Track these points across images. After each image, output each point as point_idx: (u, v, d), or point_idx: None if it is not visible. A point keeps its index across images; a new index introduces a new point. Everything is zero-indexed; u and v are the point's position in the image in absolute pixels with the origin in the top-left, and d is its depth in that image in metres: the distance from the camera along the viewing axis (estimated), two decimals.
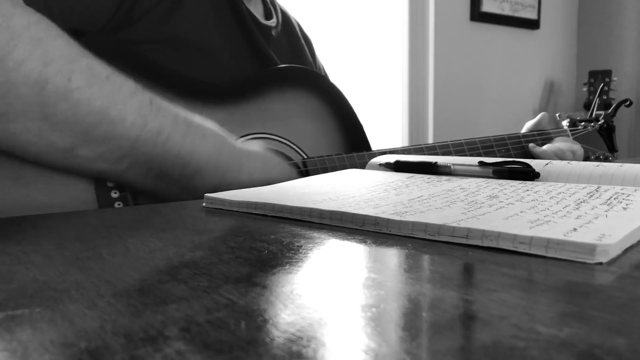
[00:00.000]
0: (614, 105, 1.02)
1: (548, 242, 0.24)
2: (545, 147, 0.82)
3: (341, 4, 1.97)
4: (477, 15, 2.22)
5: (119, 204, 0.50)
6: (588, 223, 0.27)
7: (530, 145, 0.81)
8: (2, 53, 0.40)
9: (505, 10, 2.30)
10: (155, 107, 0.47)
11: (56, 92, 0.42)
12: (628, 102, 1.02)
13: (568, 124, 0.96)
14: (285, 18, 0.84)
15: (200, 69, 0.63)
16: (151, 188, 0.50)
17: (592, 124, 0.97)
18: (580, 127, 0.96)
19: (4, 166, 0.46)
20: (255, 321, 0.17)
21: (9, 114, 0.41)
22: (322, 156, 0.63)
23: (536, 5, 2.41)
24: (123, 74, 0.47)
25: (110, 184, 0.50)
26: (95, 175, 0.48)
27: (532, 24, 2.43)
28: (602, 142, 1.01)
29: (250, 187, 0.52)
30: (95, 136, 0.44)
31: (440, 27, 2.14)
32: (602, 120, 0.98)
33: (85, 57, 0.44)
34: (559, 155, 0.80)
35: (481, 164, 0.46)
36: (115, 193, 0.50)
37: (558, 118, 0.99)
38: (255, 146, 0.57)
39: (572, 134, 0.92)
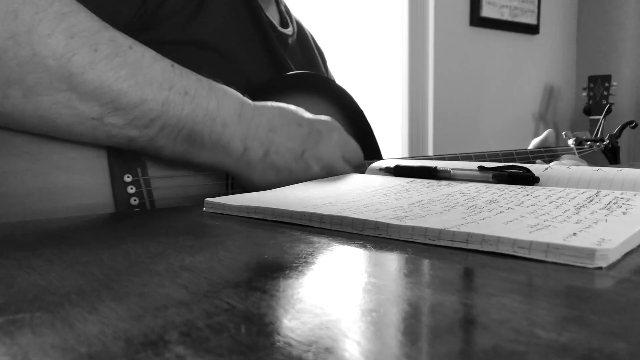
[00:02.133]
0: (619, 127, 1.04)
1: (548, 247, 0.24)
2: (551, 164, 0.84)
3: (340, 10, 1.98)
4: (477, 20, 2.23)
5: (134, 200, 0.51)
6: (588, 228, 0.27)
7: (538, 161, 0.83)
8: (28, 27, 0.41)
9: (505, 15, 2.31)
10: (177, 69, 0.49)
11: (83, 62, 0.43)
12: (633, 124, 1.03)
13: (574, 143, 0.97)
14: (300, 29, 0.85)
15: (219, 72, 0.64)
16: (181, 155, 0.50)
17: (598, 143, 0.99)
18: (586, 147, 0.97)
19: (24, 156, 0.47)
20: (255, 326, 0.17)
21: (37, 87, 0.42)
22: None
23: (536, 10, 2.42)
24: (142, 44, 0.48)
25: (127, 179, 0.51)
26: (125, 144, 0.48)
27: (532, 29, 2.44)
28: (606, 162, 1.03)
29: (270, 134, 0.53)
30: (124, 102, 0.45)
31: (440, 33, 2.15)
32: (607, 141, 1.00)
33: (108, 29, 0.46)
34: None
35: (481, 168, 0.46)
36: (132, 189, 0.51)
37: (564, 137, 1.00)
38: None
39: (578, 153, 0.94)
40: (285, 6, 0.83)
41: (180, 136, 0.49)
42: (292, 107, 0.57)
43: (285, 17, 0.80)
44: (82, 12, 0.44)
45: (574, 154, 0.92)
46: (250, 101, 0.54)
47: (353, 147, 0.60)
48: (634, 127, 1.04)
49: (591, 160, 0.94)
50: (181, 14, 0.60)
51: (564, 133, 1.02)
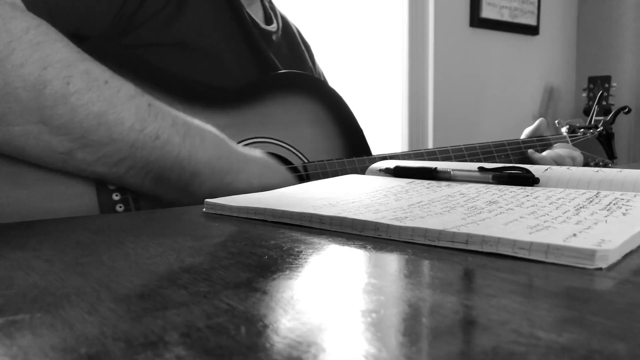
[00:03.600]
0: (612, 113, 1.03)
1: (548, 248, 0.24)
2: (544, 153, 0.83)
3: (341, 10, 1.98)
4: (477, 21, 2.23)
5: (120, 207, 0.50)
6: (587, 228, 0.27)
7: (530, 151, 0.82)
8: (1, 56, 0.40)
9: (505, 16, 2.31)
10: (153, 110, 0.48)
11: (54, 96, 0.42)
12: (627, 110, 1.03)
13: (567, 131, 0.96)
14: (285, 24, 0.85)
15: (203, 73, 0.63)
16: (150, 191, 0.50)
17: (591, 130, 0.98)
18: (579, 134, 0.96)
19: (3, 170, 0.46)
20: (255, 326, 0.17)
21: (9, 117, 0.41)
22: (322, 160, 0.63)
23: (535, 11, 2.42)
24: (122, 77, 0.47)
25: (111, 187, 0.51)
26: (95, 177, 0.49)
27: (532, 30, 2.44)
28: (601, 149, 1.02)
29: (248, 191, 0.51)
30: (93, 140, 0.44)
31: (440, 33, 2.15)
32: (601, 128, 0.99)
33: (84, 61, 0.45)
34: (558, 162, 0.80)
35: (481, 169, 0.46)
36: (117, 196, 0.50)
37: (557, 125, 0.99)
38: (255, 151, 0.57)
39: (571, 141, 0.93)
40: (270, 1, 0.83)
41: (148, 177, 0.49)
42: (277, 164, 0.57)
43: (269, 12, 0.80)
44: (58, 41, 0.43)
45: (567, 142, 0.92)
46: (235, 149, 0.53)
47: None
48: (627, 113, 1.03)
49: (585, 148, 0.93)
50: (160, 15, 0.60)
51: (556, 121, 1.01)
